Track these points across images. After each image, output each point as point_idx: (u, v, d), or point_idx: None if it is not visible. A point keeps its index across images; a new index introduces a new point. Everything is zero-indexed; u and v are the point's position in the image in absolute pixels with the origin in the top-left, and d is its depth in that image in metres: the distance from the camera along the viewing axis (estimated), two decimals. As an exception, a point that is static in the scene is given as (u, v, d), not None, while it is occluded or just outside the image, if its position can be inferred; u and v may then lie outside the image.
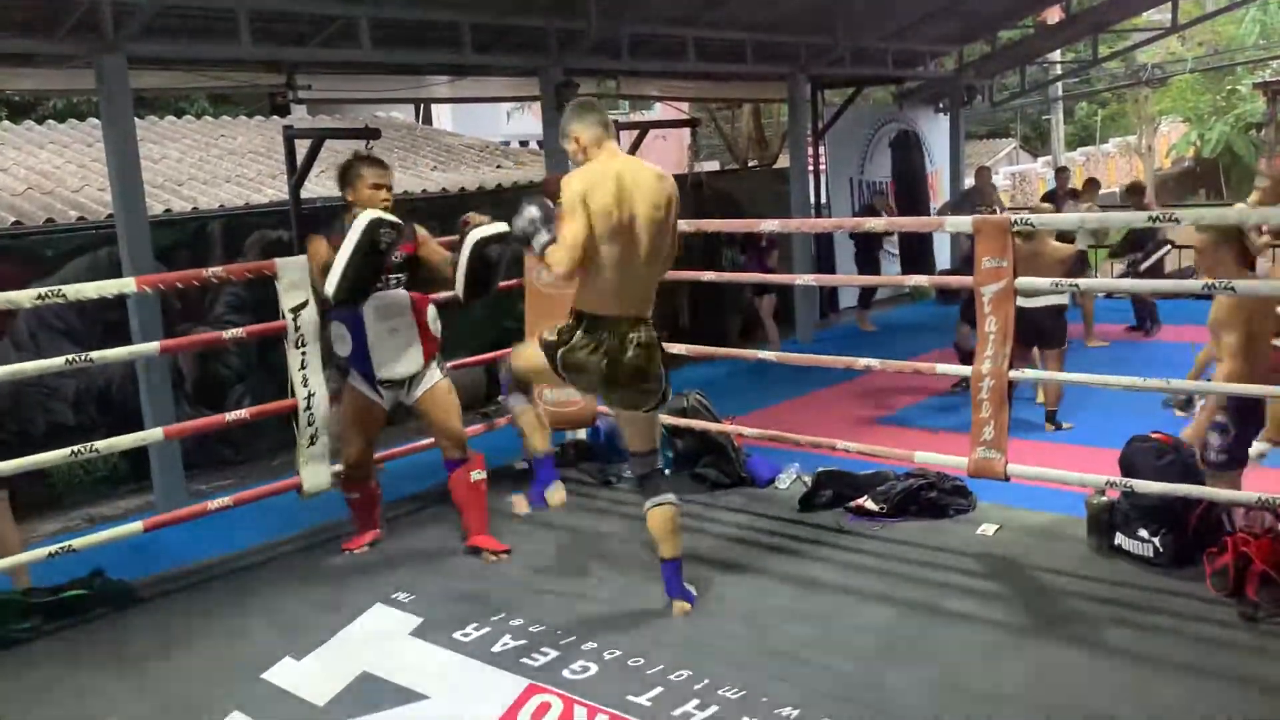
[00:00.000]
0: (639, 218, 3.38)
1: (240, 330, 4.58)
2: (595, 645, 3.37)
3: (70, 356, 3.85)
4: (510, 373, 3.84)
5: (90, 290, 3.94)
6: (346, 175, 4.09)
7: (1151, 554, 3.71)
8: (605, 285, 3.41)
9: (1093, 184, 10.77)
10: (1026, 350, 6.33)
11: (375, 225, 3.87)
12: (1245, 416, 3.98)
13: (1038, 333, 6.47)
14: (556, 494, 3.93)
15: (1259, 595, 3.33)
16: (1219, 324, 3.92)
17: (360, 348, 4.08)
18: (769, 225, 4.80)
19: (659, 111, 16.09)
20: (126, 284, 4.16)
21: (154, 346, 4.61)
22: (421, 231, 4.30)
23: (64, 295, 3.76)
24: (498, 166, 11.30)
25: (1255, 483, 4.19)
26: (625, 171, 3.40)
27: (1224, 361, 3.89)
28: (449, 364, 4.40)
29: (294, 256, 4.41)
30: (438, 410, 4.22)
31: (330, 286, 3.90)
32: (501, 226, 4.00)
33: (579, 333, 3.45)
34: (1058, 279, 4.52)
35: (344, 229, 3.95)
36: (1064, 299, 6.70)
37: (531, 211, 3.44)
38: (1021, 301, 6.63)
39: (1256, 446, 5.03)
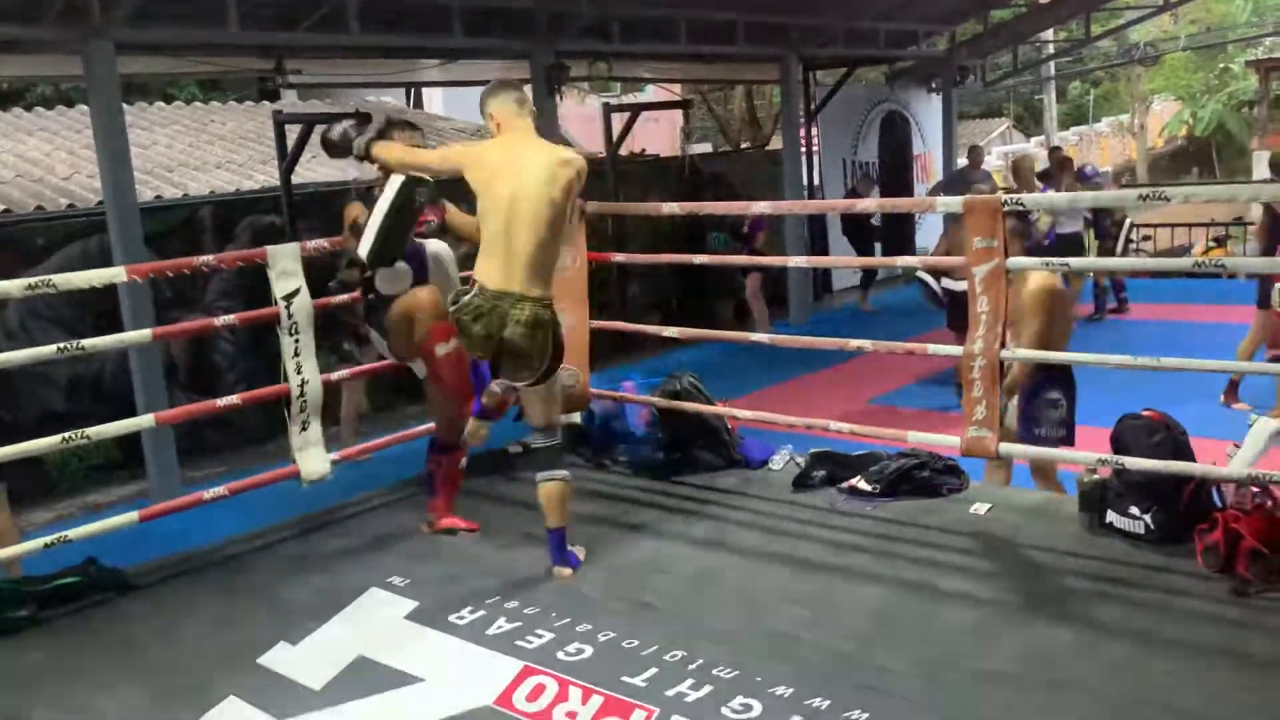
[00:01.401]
0: (524, 196, 3.51)
1: (232, 317, 4.56)
2: (590, 627, 3.38)
3: (62, 345, 3.84)
4: (489, 398, 3.83)
5: (80, 280, 3.93)
6: (381, 139, 4.13)
7: (1143, 531, 3.73)
8: (489, 259, 3.58)
9: (1067, 163, 10.73)
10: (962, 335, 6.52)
11: (410, 183, 3.95)
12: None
13: (953, 314, 6.81)
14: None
15: (1249, 571, 3.35)
16: None
17: (422, 275, 4.15)
18: (760, 207, 4.80)
19: (651, 94, 16.04)
20: (117, 273, 4.15)
21: (146, 334, 4.59)
22: (447, 203, 4.36)
23: (54, 285, 3.75)
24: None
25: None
26: (516, 150, 3.58)
27: None
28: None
29: (285, 244, 4.40)
30: (464, 375, 4.21)
31: (364, 248, 3.98)
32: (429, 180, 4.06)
33: (466, 298, 3.60)
34: (1049, 259, 4.52)
35: (373, 200, 4.00)
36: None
37: (344, 123, 3.84)
38: (947, 283, 6.93)
39: (1273, 424, 5.10)
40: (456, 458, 4.32)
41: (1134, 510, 3.75)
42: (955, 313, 7.09)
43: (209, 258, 4.46)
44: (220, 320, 4.51)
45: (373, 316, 4.23)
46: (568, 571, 3.78)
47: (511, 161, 3.56)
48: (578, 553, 3.87)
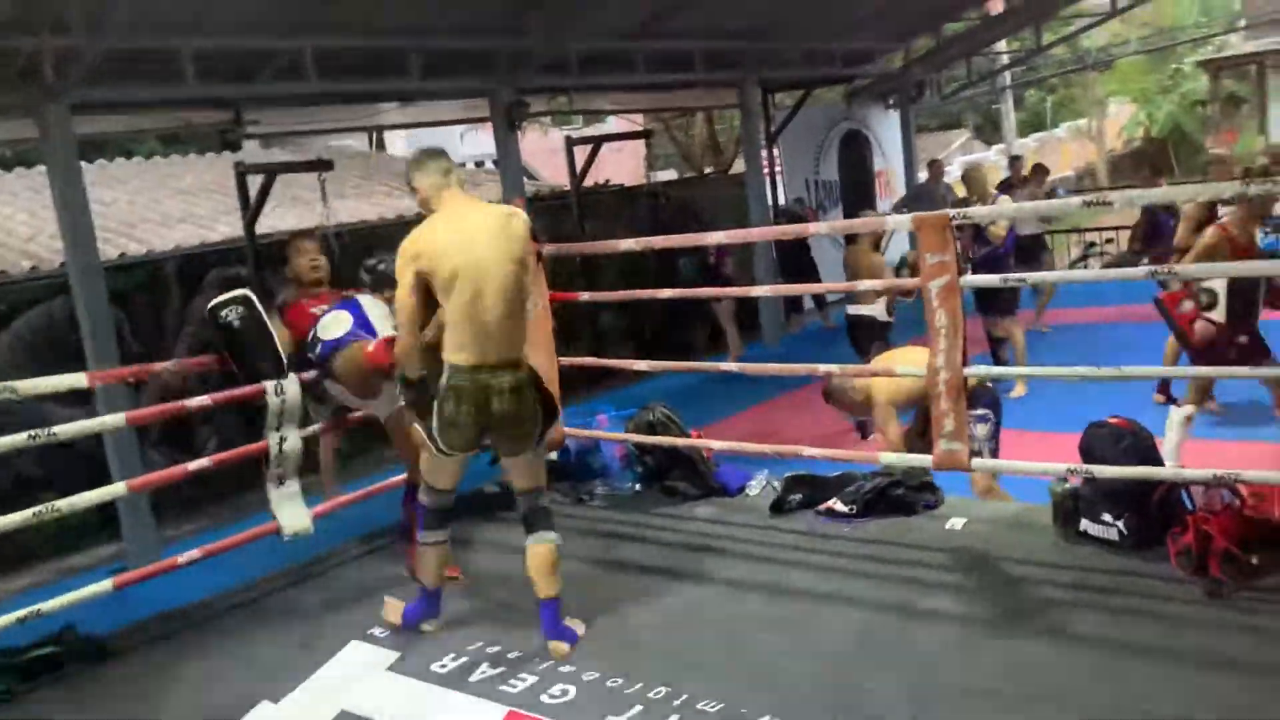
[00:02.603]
0: (481, 264, 3.38)
1: (205, 399, 4.48)
2: (574, 668, 3.37)
3: (34, 432, 3.78)
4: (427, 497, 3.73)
5: (45, 386, 3.93)
6: (286, 256, 4.70)
7: (1116, 537, 3.76)
8: (459, 336, 3.42)
9: (1040, 170, 10.86)
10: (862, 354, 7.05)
11: (215, 309, 4.18)
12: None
13: (853, 338, 7.21)
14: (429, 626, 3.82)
15: (1223, 571, 3.39)
16: None
17: (364, 319, 4.19)
18: (716, 238, 4.84)
19: (613, 124, 16.14)
20: (76, 379, 4.20)
21: (120, 419, 4.52)
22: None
23: (14, 391, 3.74)
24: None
25: (1207, 459, 4.27)
26: (460, 220, 3.45)
27: None
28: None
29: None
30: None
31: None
32: (239, 292, 4.24)
33: (443, 382, 3.46)
34: (1007, 275, 4.59)
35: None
36: (875, 311, 7.21)
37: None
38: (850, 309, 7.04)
39: (1182, 412, 5.21)
40: None
41: (1107, 517, 3.79)
42: (854, 335, 7.30)
43: (171, 364, 4.79)
44: (194, 403, 4.43)
45: (318, 384, 4.33)
46: (565, 648, 3.49)
47: (460, 233, 3.41)
48: (576, 627, 3.60)
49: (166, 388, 6.41)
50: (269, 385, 4.20)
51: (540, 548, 3.56)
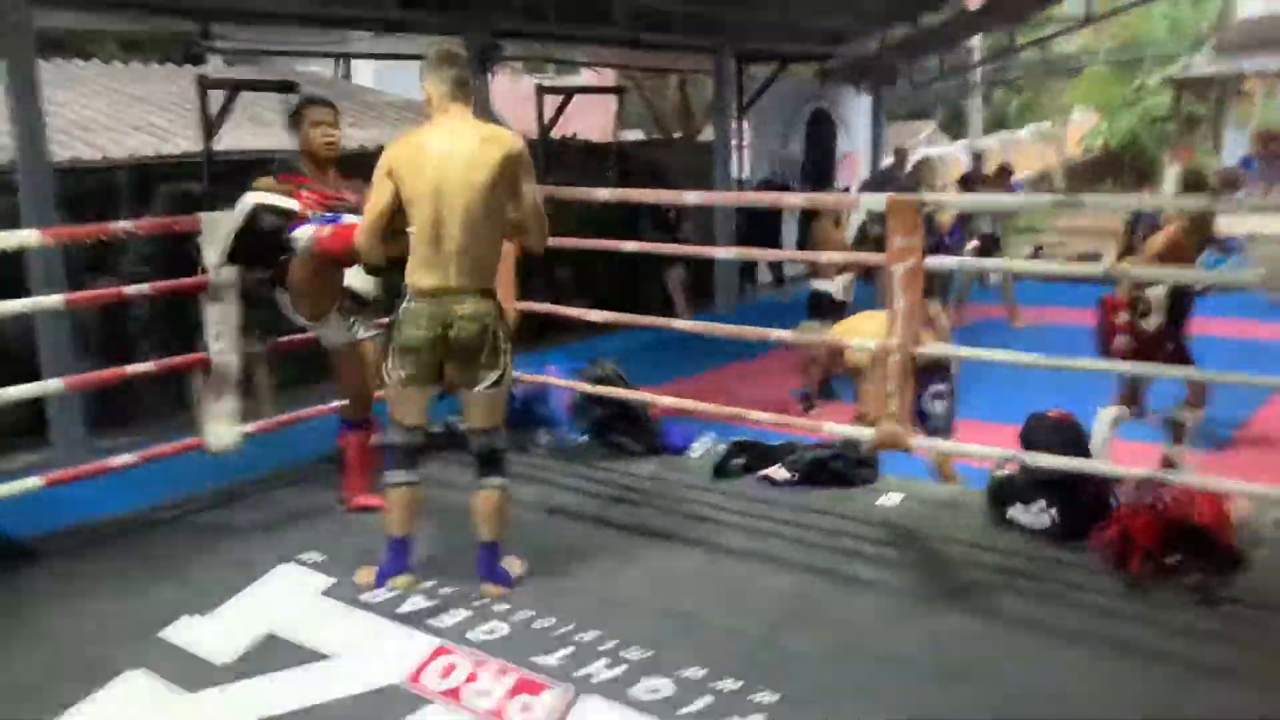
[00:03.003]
0: (450, 184, 3.26)
1: (147, 287, 4.43)
2: (507, 606, 3.39)
3: None
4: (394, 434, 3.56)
5: (-6, 243, 3.80)
6: (293, 118, 4.14)
7: (1047, 524, 3.86)
8: (423, 257, 3.33)
9: (1005, 171, 10.99)
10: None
11: (258, 210, 3.94)
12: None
13: (810, 313, 7.40)
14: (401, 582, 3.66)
15: (1142, 567, 3.49)
16: None
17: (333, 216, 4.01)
18: (691, 198, 4.82)
19: (585, 77, 15.98)
20: (29, 235, 4.00)
21: (59, 300, 4.42)
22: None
23: None
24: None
25: (1136, 460, 4.39)
26: (443, 138, 3.31)
27: None
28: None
29: (215, 212, 4.30)
30: (367, 364, 4.16)
31: (211, 255, 4.04)
32: (291, 204, 3.94)
33: (404, 306, 3.37)
34: (964, 259, 4.65)
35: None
36: (831, 286, 7.46)
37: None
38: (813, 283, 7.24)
39: (1111, 412, 5.38)
40: (367, 434, 4.28)
41: (1038, 505, 3.88)
42: (811, 310, 7.43)
43: (130, 224, 4.33)
44: (135, 289, 4.37)
45: (267, 288, 4.15)
46: (497, 590, 3.46)
47: (437, 149, 3.29)
48: (512, 567, 3.57)
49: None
50: (212, 272, 4.12)
51: (488, 493, 3.48)
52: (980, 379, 7.34)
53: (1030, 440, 3.99)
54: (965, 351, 4.41)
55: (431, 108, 3.42)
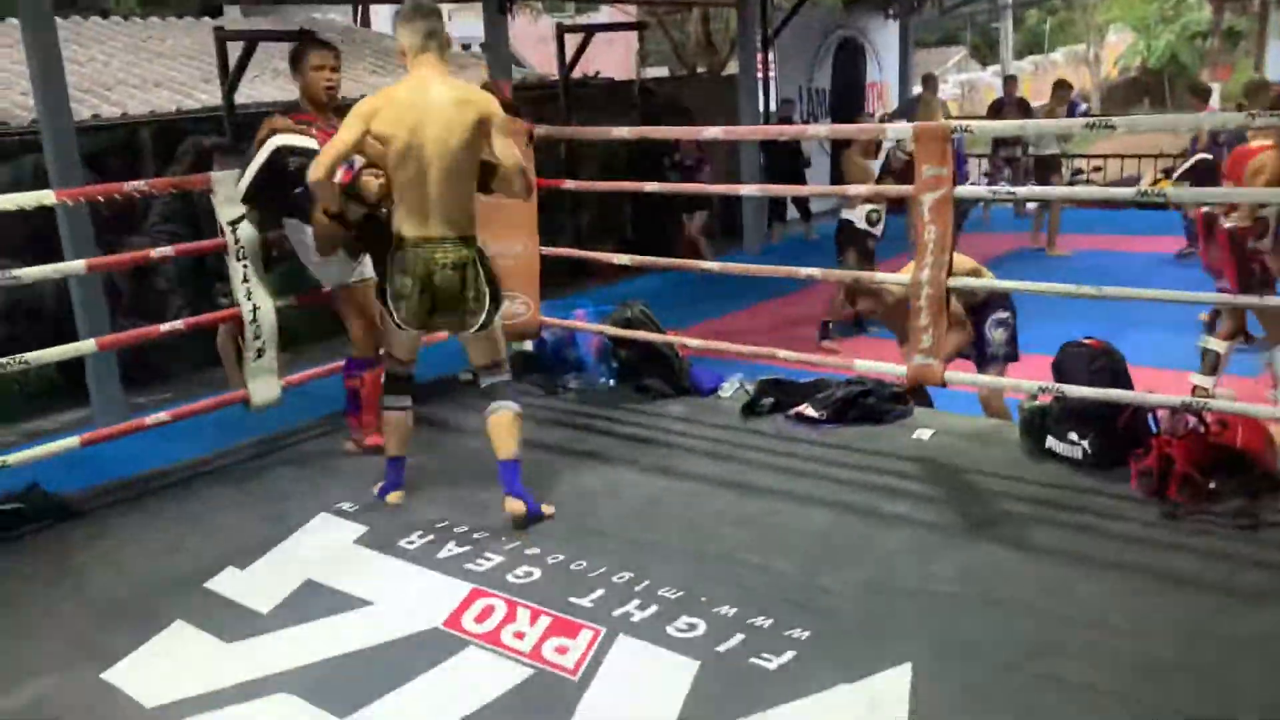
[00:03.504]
0: (427, 141, 3.38)
1: (171, 250, 4.45)
2: (538, 551, 3.42)
3: None
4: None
5: (8, 203, 3.80)
6: (293, 61, 4.12)
7: (1080, 456, 3.82)
8: (406, 208, 3.48)
9: (1062, 86, 10.53)
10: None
11: (282, 150, 3.94)
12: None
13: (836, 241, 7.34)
14: (394, 498, 3.87)
15: (1180, 494, 3.46)
16: None
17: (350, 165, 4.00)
18: (711, 132, 4.74)
19: (606, 14, 15.74)
20: (46, 196, 4.00)
21: (79, 265, 4.47)
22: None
23: None
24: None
25: (1181, 387, 4.33)
26: (419, 92, 3.41)
27: None
28: None
29: (228, 170, 4.29)
30: (371, 303, 4.20)
31: (240, 192, 4.07)
32: (311, 143, 3.93)
33: (393, 254, 3.51)
34: (996, 189, 4.55)
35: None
36: (854, 215, 7.30)
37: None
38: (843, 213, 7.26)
39: (1216, 343, 5.28)
40: (378, 373, 4.29)
41: (1072, 436, 3.84)
42: (837, 239, 7.39)
43: (144, 183, 4.34)
44: (157, 252, 4.39)
45: (300, 211, 4.10)
46: (520, 506, 3.60)
47: (414, 105, 3.39)
48: (545, 509, 3.68)
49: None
50: (227, 230, 4.14)
51: (498, 415, 3.65)
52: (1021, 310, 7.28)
53: (1062, 369, 3.94)
54: (1008, 284, 4.32)
55: (406, 60, 3.51)
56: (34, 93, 6.20)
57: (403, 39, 3.50)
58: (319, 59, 4.08)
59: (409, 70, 3.50)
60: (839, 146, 7.48)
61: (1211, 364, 5.64)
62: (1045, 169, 9.84)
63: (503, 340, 3.76)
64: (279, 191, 4.02)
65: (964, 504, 3.66)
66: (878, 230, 7.34)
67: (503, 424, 3.65)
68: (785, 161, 11.09)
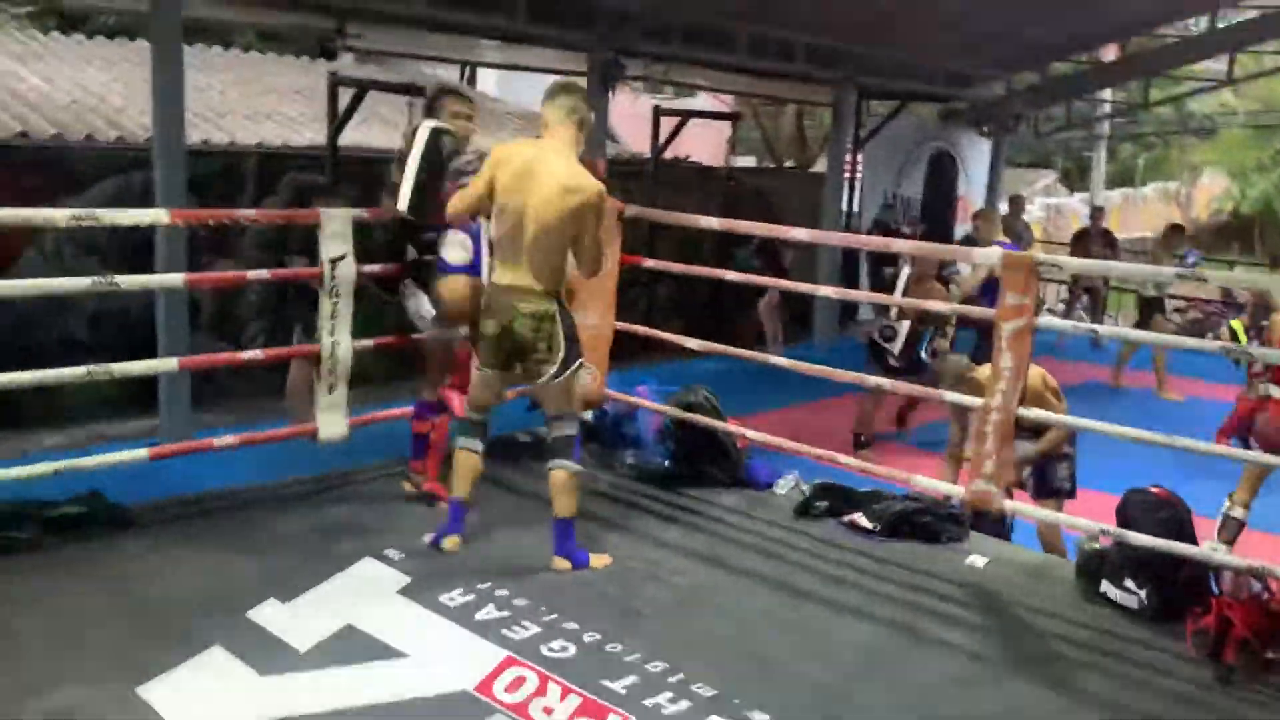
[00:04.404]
0: (529, 207, 3.66)
1: (265, 273, 4.60)
2: (576, 626, 3.41)
3: (96, 279, 3.90)
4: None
5: (124, 218, 3.99)
6: (432, 106, 4.34)
7: (1137, 605, 3.73)
8: (500, 256, 3.79)
9: (1177, 231, 9.97)
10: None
11: (437, 131, 4.15)
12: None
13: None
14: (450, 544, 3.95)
15: (1237, 659, 3.35)
16: None
17: (478, 258, 4.24)
18: (797, 234, 4.79)
19: (702, 100, 16.05)
20: (159, 214, 4.20)
21: (178, 279, 4.64)
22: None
23: (97, 219, 3.81)
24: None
25: (1241, 547, 4.22)
26: (539, 161, 3.69)
27: None
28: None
29: (339, 208, 4.45)
30: (448, 350, 4.44)
31: (402, 201, 4.17)
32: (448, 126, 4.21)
33: (485, 298, 3.84)
34: (1078, 323, 4.52)
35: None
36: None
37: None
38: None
39: (1235, 509, 5.14)
40: (445, 419, 4.43)
41: (1130, 584, 3.76)
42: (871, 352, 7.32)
43: (254, 212, 4.50)
44: (253, 275, 4.54)
45: (422, 275, 4.32)
46: (566, 564, 3.79)
47: (531, 171, 3.67)
48: (592, 559, 3.87)
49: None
50: (326, 267, 4.27)
51: (555, 473, 3.81)
52: (1080, 443, 7.15)
53: (1126, 514, 3.86)
54: (1080, 421, 4.26)
55: (543, 127, 3.83)
56: (153, 114, 6.47)
57: (545, 112, 3.79)
58: (458, 106, 4.31)
59: (541, 136, 3.80)
60: (880, 257, 7.48)
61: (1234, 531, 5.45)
62: (1150, 309, 9.55)
63: (575, 395, 3.90)
64: (438, 184, 4.15)
65: (1013, 638, 3.58)
66: (892, 346, 7.18)
67: (558, 482, 3.80)
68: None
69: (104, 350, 6.82)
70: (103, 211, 3.91)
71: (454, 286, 4.23)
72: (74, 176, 7.32)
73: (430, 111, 4.34)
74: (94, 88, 8.96)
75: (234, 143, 8.32)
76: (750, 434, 4.82)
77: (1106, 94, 15.59)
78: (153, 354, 6.27)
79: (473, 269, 4.26)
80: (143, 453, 4.09)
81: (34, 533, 3.78)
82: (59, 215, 3.87)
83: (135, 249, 6.75)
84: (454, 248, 4.25)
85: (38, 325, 7.10)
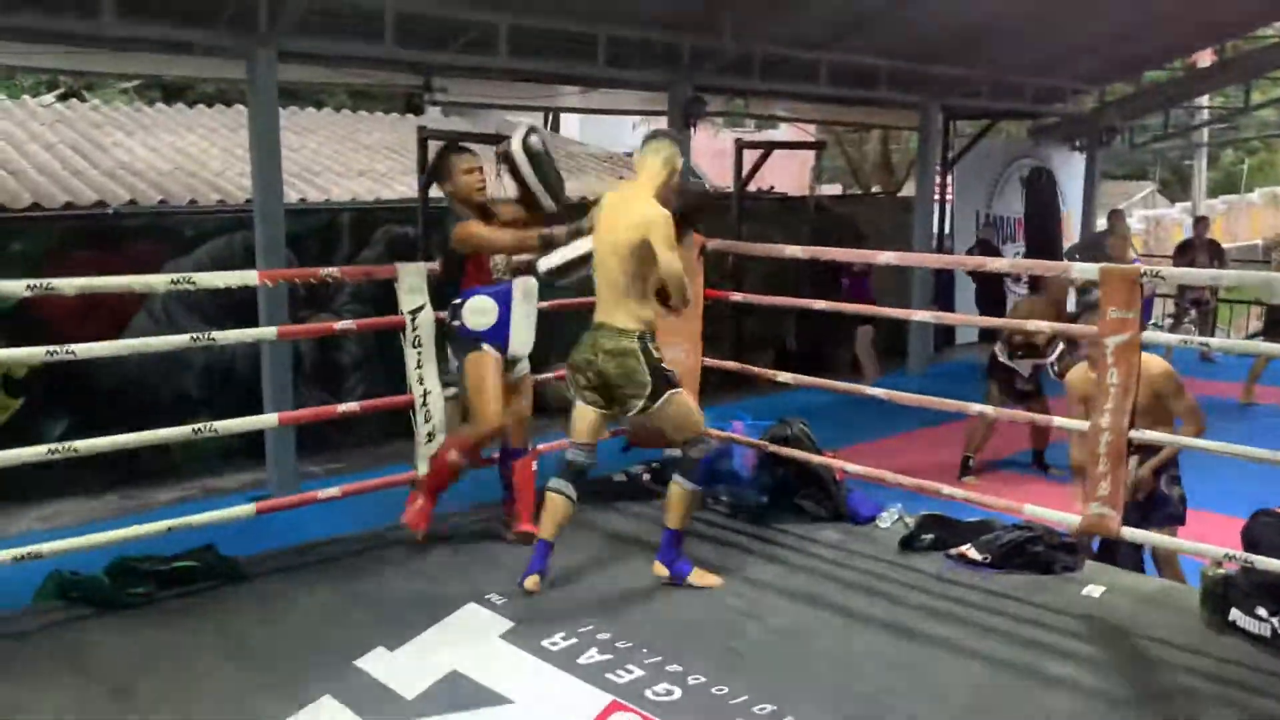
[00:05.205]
0: (605, 243, 3.91)
1: (351, 323, 4.74)
2: (680, 668, 3.36)
3: (195, 335, 4.09)
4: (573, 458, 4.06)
5: (216, 280, 4.14)
6: (439, 169, 4.37)
7: (1269, 635, 3.53)
8: (597, 294, 3.98)
9: None
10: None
11: (529, 131, 4.29)
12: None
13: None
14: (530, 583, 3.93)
15: (1384, 692, 3.14)
16: None
17: (504, 321, 4.28)
18: (886, 258, 4.71)
19: (784, 131, 16.01)
20: (249, 276, 4.39)
21: (271, 331, 4.83)
22: None
23: (193, 283, 3.98)
24: (620, 177, 11.40)
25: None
26: (621, 202, 3.95)
27: None
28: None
29: (413, 262, 4.55)
30: (527, 395, 4.54)
31: (547, 206, 4.36)
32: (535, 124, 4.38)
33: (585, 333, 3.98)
34: (1186, 337, 4.35)
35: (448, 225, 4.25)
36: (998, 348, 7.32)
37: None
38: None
39: None
40: (527, 461, 4.50)
41: (1261, 611, 3.56)
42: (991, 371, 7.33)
43: (336, 270, 4.67)
44: (340, 325, 4.66)
45: (452, 344, 4.38)
46: (664, 571, 3.97)
47: (614, 210, 3.93)
48: (695, 575, 3.99)
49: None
50: (407, 319, 4.38)
51: (673, 486, 4.01)
52: (1199, 463, 6.87)
53: (1254, 538, 3.67)
54: (1195, 442, 4.08)
55: (636, 173, 4.08)
56: (253, 177, 6.72)
57: (636, 157, 4.09)
58: (467, 163, 4.29)
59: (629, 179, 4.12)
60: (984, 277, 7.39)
61: None
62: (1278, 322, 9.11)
63: (691, 419, 4.01)
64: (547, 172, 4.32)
65: (1135, 672, 3.42)
66: (1021, 368, 7.12)
67: (673, 495, 4.01)
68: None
69: (211, 405, 7.10)
70: (197, 275, 4.06)
71: (478, 370, 4.23)
72: (181, 239, 7.63)
73: (441, 177, 4.33)
74: (194, 153, 9.35)
75: (329, 200, 8.59)
76: (849, 466, 4.73)
77: (1204, 100, 15.10)
78: (259, 406, 6.48)
79: (494, 334, 4.24)
80: (250, 509, 4.20)
81: (150, 588, 3.89)
82: (157, 281, 4.05)
83: (241, 306, 7.00)
84: (473, 314, 4.24)
85: (153, 383, 7.40)
